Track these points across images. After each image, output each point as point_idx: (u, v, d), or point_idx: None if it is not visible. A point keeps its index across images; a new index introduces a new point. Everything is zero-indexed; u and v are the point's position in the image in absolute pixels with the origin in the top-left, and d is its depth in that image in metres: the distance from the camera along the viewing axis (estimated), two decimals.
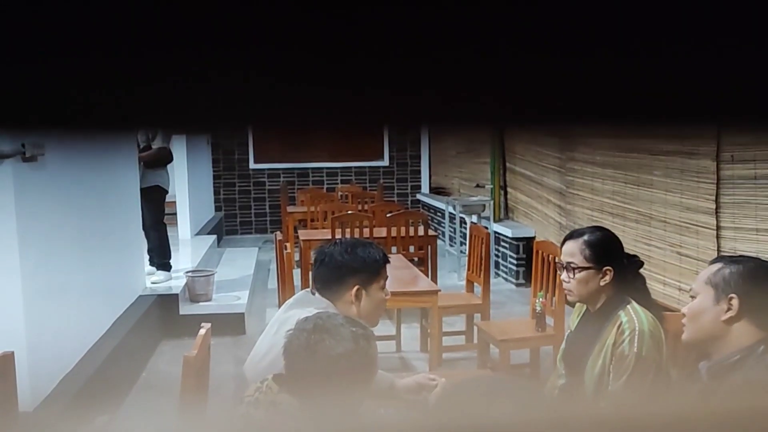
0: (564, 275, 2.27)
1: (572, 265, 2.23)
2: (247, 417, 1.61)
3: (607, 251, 2.24)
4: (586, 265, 2.21)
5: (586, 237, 2.25)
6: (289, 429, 1.58)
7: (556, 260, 2.44)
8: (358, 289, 2.10)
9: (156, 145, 5.74)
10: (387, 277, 2.21)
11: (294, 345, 1.60)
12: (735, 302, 1.64)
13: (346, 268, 2.11)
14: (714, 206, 4.05)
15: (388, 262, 2.22)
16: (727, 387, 1.60)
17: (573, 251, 2.24)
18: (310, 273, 2.25)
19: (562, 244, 2.32)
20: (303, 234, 6.26)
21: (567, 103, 0.52)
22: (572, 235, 2.31)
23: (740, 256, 1.81)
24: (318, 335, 1.58)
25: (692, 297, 1.76)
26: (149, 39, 0.47)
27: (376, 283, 2.14)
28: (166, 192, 5.95)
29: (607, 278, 2.20)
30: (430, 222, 7.46)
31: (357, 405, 1.63)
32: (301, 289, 3.99)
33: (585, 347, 2.22)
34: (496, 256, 7.30)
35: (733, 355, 1.64)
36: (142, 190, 5.55)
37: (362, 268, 2.11)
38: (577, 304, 2.37)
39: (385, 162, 11.09)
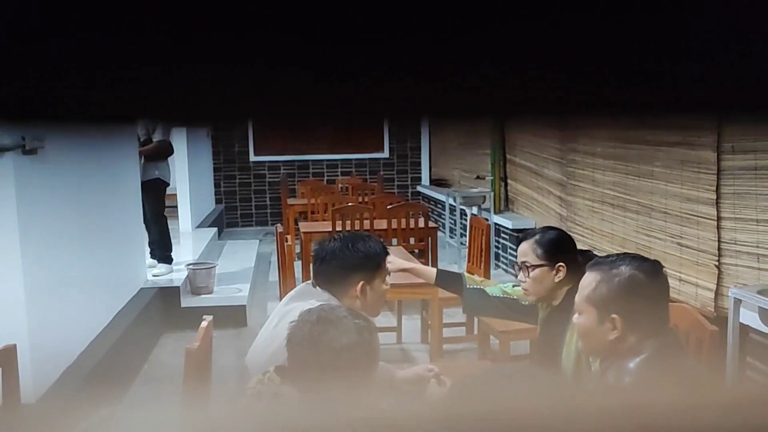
0: (520, 275, 2.33)
1: (526, 264, 2.29)
2: (249, 409, 1.61)
3: (558, 248, 2.30)
4: (539, 262, 2.27)
5: (537, 237, 2.32)
6: (290, 420, 1.59)
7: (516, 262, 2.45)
8: (363, 285, 2.09)
9: (156, 138, 5.73)
10: (387, 268, 2.22)
11: (297, 336, 1.60)
12: (618, 323, 1.66)
13: (349, 265, 2.09)
14: (714, 197, 4.05)
15: (388, 253, 2.23)
16: (627, 390, 1.63)
17: (526, 251, 2.31)
18: (311, 267, 2.24)
19: (517, 246, 2.38)
20: (304, 226, 6.26)
21: (568, 95, 0.52)
22: (525, 237, 2.38)
23: (616, 263, 1.71)
24: (321, 327, 1.58)
25: (578, 313, 1.77)
26: (150, 30, 0.47)
27: (379, 277, 2.14)
28: (167, 185, 5.95)
29: (561, 274, 2.26)
30: (430, 214, 7.45)
31: (359, 396, 1.63)
32: (302, 281, 4.00)
33: (557, 338, 2.25)
34: (497, 247, 7.30)
35: (626, 364, 1.66)
36: (142, 183, 5.55)
37: (365, 264, 2.10)
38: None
39: (386, 154, 11.08)
